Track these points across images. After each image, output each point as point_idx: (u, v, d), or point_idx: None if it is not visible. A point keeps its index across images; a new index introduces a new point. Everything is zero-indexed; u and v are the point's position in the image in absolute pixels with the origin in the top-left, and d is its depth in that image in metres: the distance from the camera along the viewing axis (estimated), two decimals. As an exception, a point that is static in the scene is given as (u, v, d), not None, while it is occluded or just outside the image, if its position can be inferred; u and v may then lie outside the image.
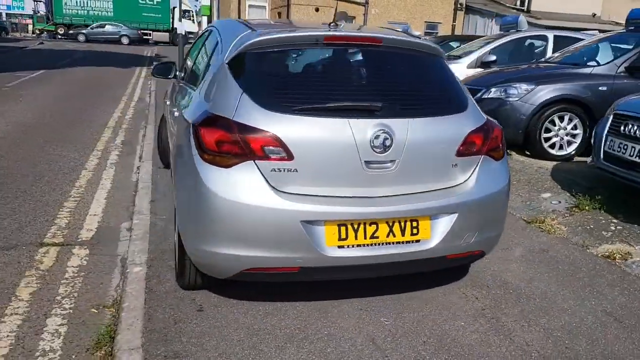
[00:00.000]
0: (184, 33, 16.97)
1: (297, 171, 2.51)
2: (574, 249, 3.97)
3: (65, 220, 4.44)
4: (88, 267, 3.60)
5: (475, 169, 2.81)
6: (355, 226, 2.57)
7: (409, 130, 2.62)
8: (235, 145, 2.49)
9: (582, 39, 8.13)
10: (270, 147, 2.49)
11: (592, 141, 4.86)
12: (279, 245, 2.51)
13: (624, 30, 7.25)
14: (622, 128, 4.34)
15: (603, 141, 4.56)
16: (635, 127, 4.20)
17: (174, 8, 36.01)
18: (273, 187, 2.49)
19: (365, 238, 2.58)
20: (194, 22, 33.39)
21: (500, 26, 10.35)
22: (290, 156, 2.49)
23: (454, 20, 22.76)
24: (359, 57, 2.92)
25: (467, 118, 2.82)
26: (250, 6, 24.55)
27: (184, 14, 17.51)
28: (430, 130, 2.69)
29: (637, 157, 4.14)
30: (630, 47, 6.16)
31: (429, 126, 2.69)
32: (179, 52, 16.47)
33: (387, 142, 2.57)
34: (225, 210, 2.48)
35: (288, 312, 2.90)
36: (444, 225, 2.70)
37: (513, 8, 24.70)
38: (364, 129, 2.56)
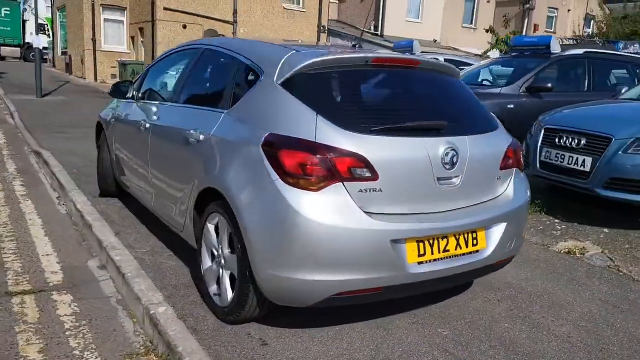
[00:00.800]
0: (40, 48, 15.26)
1: (381, 191, 2.52)
2: (540, 249, 4.47)
3: (17, 263, 3.82)
4: (85, 314, 3.16)
5: (510, 180, 3.08)
6: (431, 241, 2.65)
7: (468, 146, 2.78)
8: (322, 167, 2.43)
9: (471, 64, 9.10)
10: (357, 168, 2.47)
11: (523, 153, 5.51)
12: (368, 266, 2.49)
13: (508, 56, 8.33)
14: (557, 140, 5.01)
15: (538, 152, 5.20)
16: (571, 139, 4.87)
17: (25, 21, 32.25)
18: (360, 208, 2.47)
19: (439, 252, 2.68)
20: (49, 37, 30.12)
21: (392, 49, 11.13)
22: (375, 176, 2.50)
23: (318, 40, 23.74)
24: (404, 77, 3.02)
25: (501, 134, 3.08)
26: (106, 20, 22.95)
27: (40, 28, 15.67)
28: (483, 146, 2.89)
29: (575, 165, 4.81)
30: (531, 68, 7.10)
31: (482, 142, 2.89)
32: (35, 69, 14.85)
33: (455, 159, 2.71)
34: (318, 234, 2.40)
35: (352, 334, 2.86)
36: (496, 234, 2.90)
37: (368, 32, 26.54)
38: (436, 146, 2.67)
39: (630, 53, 9.46)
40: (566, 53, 7.44)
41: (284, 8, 23.38)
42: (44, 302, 3.27)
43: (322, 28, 24.04)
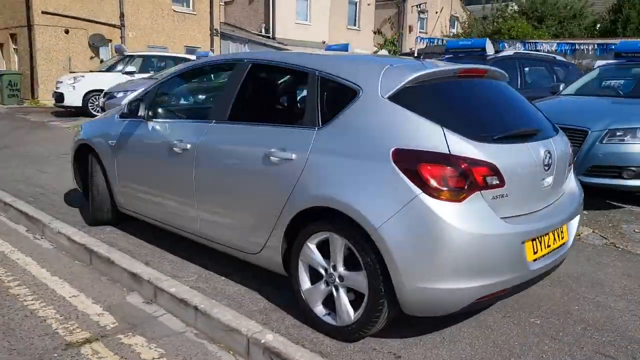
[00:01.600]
0: None
1: (507, 196, 2.67)
2: (542, 235, 4.91)
3: (50, 310, 3.40)
4: (174, 353, 2.92)
5: (571, 175, 3.40)
6: (540, 239, 2.86)
7: (554, 147, 3.03)
8: (464, 179, 2.51)
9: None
10: (490, 176, 2.59)
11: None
12: (503, 269, 2.63)
13: (444, 58, 8.91)
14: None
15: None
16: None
17: None
18: (495, 214, 2.60)
19: (545, 248, 2.89)
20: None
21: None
22: (502, 182, 2.64)
23: (212, 44, 23.20)
24: (482, 86, 3.18)
25: (563, 133, 3.38)
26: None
27: None
28: (561, 146, 3.16)
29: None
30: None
31: (560, 142, 3.16)
32: None
33: (550, 161, 2.94)
34: (466, 243, 2.49)
35: (464, 335, 2.98)
36: (573, 227, 3.20)
37: (259, 35, 26.47)
38: (538, 150, 2.88)
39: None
40: (500, 55, 8.15)
41: (174, 11, 22.53)
42: (118, 348, 2.96)
43: (214, 31, 23.53)
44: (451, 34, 34.99)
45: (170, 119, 3.95)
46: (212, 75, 5.06)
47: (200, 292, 3.41)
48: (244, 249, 3.36)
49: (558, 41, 21.55)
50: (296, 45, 25.98)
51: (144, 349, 2.96)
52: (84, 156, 4.76)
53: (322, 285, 2.93)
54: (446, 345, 2.86)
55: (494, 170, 2.61)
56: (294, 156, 2.97)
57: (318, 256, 2.91)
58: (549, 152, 2.95)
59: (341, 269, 2.82)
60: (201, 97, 4.92)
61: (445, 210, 2.48)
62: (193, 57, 14.24)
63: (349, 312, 2.80)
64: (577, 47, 19.64)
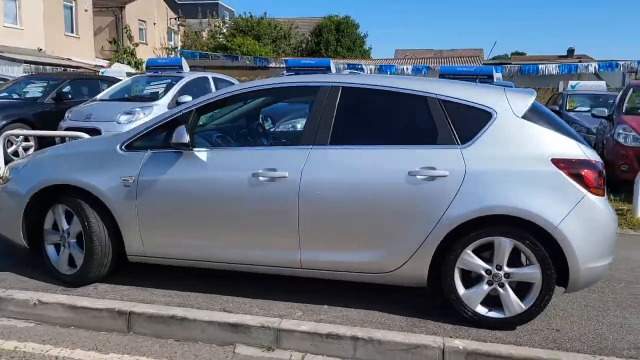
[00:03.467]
0: None
1: None
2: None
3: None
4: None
5: None
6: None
7: None
8: (602, 178, 3.27)
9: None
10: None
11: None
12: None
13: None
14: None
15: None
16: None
17: None
18: None
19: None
20: None
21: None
22: None
23: None
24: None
25: None
26: None
27: None
28: None
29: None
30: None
31: None
32: None
33: None
34: (615, 227, 3.29)
35: (591, 305, 3.71)
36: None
37: None
38: None
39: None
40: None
41: None
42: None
43: None
44: (170, 46, 35.04)
45: (230, 146, 3.55)
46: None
47: (333, 324, 3.28)
48: (374, 270, 3.38)
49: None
50: (11, 52, 22.33)
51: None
52: (39, 204, 3.76)
53: (484, 286, 3.26)
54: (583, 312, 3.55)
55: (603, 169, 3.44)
56: (445, 172, 3.22)
57: (478, 260, 3.25)
58: None
59: (506, 267, 3.23)
60: (257, 121, 4.30)
61: (603, 204, 3.21)
62: None
63: (519, 303, 3.23)
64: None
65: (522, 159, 3.23)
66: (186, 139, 3.42)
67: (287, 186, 3.39)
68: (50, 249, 3.88)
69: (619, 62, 23.66)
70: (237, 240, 3.55)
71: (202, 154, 3.53)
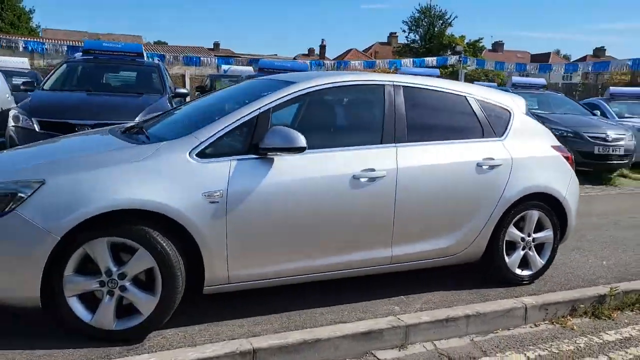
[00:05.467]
0: None
1: None
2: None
3: None
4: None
5: None
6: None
7: None
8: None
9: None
10: None
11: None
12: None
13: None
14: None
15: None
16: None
17: None
18: None
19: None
20: None
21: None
22: None
23: None
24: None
25: None
26: None
27: None
28: None
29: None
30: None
31: None
32: None
33: None
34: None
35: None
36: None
37: None
38: None
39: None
40: None
41: None
42: None
43: None
44: None
45: (322, 148, 3.27)
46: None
47: (443, 309, 3.51)
48: (445, 254, 3.73)
49: None
50: None
51: None
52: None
53: (520, 252, 4.02)
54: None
55: None
56: (501, 162, 3.82)
57: (517, 231, 3.98)
58: None
59: (533, 234, 4.05)
60: (334, 120, 3.49)
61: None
62: None
63: (540, 261, 4.10)
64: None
65: (536, 147, 4.09)
66: (303, 141, 3.02)
67: (385, 185, 3.39)
68: (74, 302, 2.79)
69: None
70: (336, 246, 3.34)
71: (300, 158, 3.15)
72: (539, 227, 4.09)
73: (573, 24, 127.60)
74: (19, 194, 2.65)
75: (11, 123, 6.29)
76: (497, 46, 56.36)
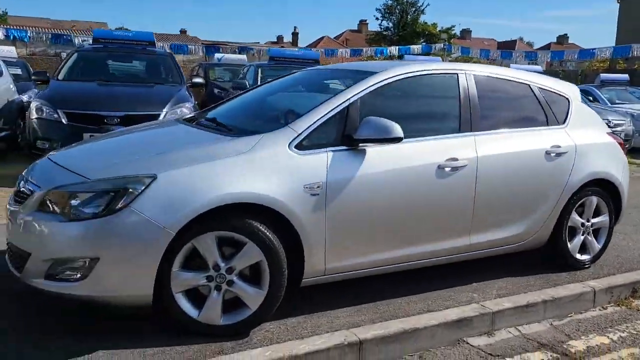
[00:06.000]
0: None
1: None
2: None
3: None
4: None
5: None
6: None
7: None
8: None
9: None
10: None
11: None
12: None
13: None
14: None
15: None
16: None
17: None
18: None
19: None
20: None
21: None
22: None
23: None
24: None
25: None
26: None
27: None
28: None
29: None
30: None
31: None
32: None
33: None
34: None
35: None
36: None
37: None
38: None
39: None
40: None
41: None
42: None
43: None
44: None
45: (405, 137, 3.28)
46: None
47: (522, 294, 3.58)
48: (518, 240, 3.81)
49: None
50: None
51: (595, 341, 3.26)
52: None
53: (580, 237, 4.12)
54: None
55: None
56: (566, 149, 3.90)
57: (578, 217, 4.08)
58: None
59: (592, 219, 4.16)
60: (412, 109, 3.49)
61: None
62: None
63: (597, 245, 4.21)
64: None
65: (594, 134, 4.18)
66: (400, 131, 3.03)
67: (466, 174, 3.43)
68: (181, 298, 2.75)
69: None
70: (424, 236, 3.37)
71: (393, 147, 3.15)
72: (596, 213, 4.20)
73: (537, 12, 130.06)
74: (130, 190, 2.59)
75: (34, 115, 6.10)
76: (465, 33, 57.03)
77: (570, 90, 4.28)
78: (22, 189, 2.93)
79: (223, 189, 2.71)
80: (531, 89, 4.00)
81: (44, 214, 2.66)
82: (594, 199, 4.12)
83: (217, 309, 2.78)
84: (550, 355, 3.07)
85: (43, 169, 3.04)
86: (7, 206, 2.98)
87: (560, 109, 4.11)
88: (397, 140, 3.06)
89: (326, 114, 3.10)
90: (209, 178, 2.72)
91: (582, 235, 4.14)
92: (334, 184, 2.98)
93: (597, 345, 3.22)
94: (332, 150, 3.04)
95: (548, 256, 4.12)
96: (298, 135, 2.99)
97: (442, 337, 3.14)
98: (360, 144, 3.09)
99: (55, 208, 2.64)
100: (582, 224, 4.13)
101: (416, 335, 3.05)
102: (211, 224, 2.70)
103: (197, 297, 2.79)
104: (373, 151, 3.13)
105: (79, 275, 2.59)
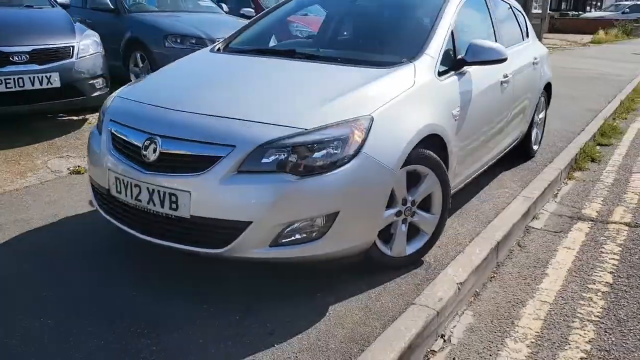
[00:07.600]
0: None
1: None
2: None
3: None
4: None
5: None
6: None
7: None
8: None
9: None
10: None
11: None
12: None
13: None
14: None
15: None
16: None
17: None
18: None
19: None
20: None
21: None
22: None
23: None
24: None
25: None
26: None
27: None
28: None
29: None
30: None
31: None
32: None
33: None
34: None
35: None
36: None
37: None
38: None
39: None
40: None
41: None
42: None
43: None
44: None
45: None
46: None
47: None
48: (515, 140, 4.56)
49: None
50: None
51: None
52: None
53: (538, 130, 5.10)
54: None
55: None
56: (538, 60, 4.70)
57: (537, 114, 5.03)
58: None
59: (540, 114, 5.15)
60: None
61: None
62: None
63: (540, 135, 5.28)
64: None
65: (539, 45, 5.07)
66: (506, 52, 3.29)
67: (508, 88, 3.93)
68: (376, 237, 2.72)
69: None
70: (496, 145, 3.94)
71: (480, 67, 3.40)
72: (541, 109, 5.22)
73: None
74: (356, 134, 2.39)
75: None
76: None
77: (519, 6, 5.02)
78: (166, 151, 2.36)
79: (420, 122, 2.68)
80: (510, 7, 4.62)
81: (260, 175, 2.26)
82: (542, 99, 5.09)
83: (403, 241, 2.82)
84: (588, 223, 3.97)
85: (203, 125, 2.42)
86: (135, 179, 2.41)
87: (523, 25, 4.85)
88: (504, 60, 3.35)
89: (444, 38, 3.18)
90: (405, 113, 2.65)
91: (537, 129, 5.12)
92: (463, 106, 3.17)
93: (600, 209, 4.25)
94: (453, 75, 3.17)
95: (519, 152, 4.97)
96: (436, 62, 3.04)
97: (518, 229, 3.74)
98: (466, 67, 3.28)
99: (277, 166, 2.27)
100: (540, 119, 5.10)
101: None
102: (408, 160, 2.68)
103: (380, 233, 2.79)
104: (472, 72, 3.36)
105: (314, 235, 2.35)
